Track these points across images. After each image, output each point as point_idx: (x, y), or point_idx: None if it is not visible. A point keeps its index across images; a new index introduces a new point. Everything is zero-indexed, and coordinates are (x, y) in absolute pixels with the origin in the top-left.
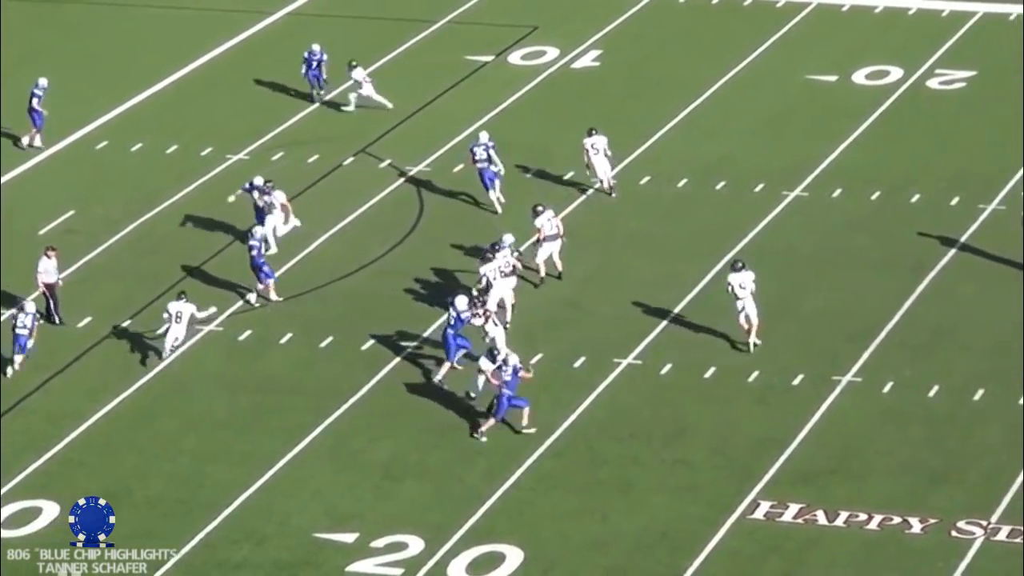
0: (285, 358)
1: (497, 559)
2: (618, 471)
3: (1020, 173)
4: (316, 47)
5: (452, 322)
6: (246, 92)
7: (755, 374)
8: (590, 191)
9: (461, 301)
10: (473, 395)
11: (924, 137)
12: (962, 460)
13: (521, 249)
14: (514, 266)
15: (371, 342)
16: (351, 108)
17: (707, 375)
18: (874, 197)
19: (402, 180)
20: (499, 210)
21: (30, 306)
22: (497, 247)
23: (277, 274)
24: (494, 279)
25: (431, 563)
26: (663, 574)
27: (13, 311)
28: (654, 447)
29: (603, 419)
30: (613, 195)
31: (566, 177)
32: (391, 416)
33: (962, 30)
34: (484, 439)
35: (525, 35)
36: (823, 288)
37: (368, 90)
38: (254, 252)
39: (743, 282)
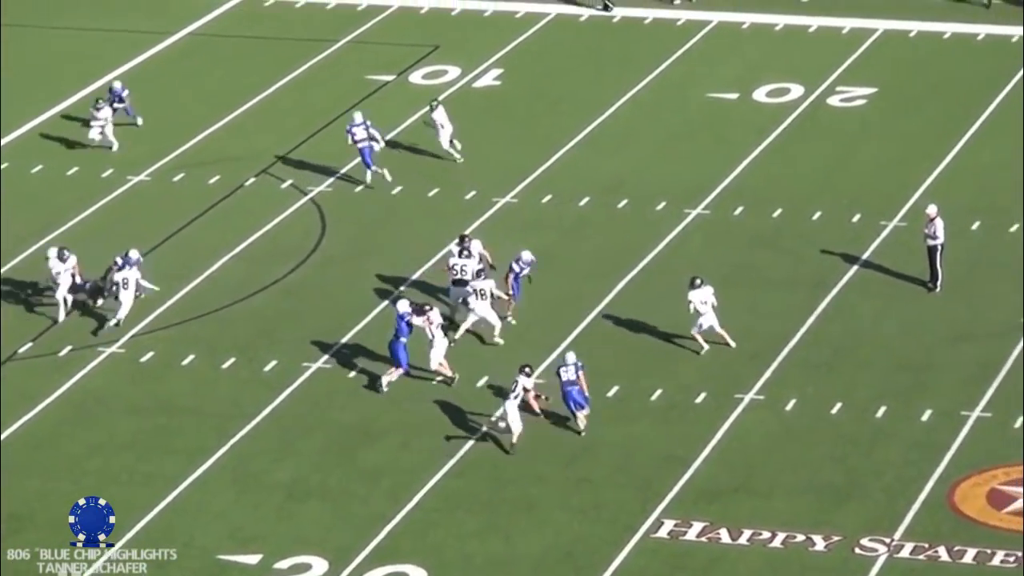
0: (187, 380)
1: None
2: (522, 490)
3: (921, 190)
4: (117, 84)
5: (397, 328)
6: (146, 113)
7: (658, 392)
8: (492, 209)
9: (402, 304)
10: (503, 424)
11: (825, 154)
12: (865, 477)
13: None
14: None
15: (274, 363)
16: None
17: (610, 394)
18: (776, 214)
19: (304, 200)
20: (389, 177)
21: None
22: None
23: (181, 295)
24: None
25: None
26: None
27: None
28: (558, 466)
29: (506, 438)
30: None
31: (468, 196)
32: (294, 437)
33: (863, 47)
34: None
35: (426, 54)
36: (725, 306)
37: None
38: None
39: (704, 298)
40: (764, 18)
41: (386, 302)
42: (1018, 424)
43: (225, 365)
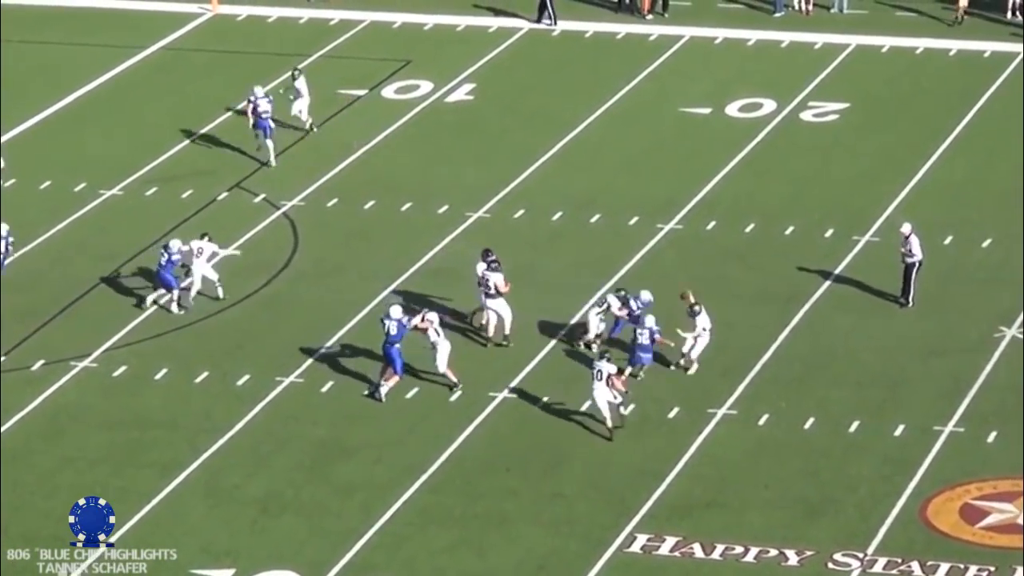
0: (160, 394)
1: None
2: (495, 504)
3: (894, 205)
4: (4, 226)
5: (391, 333)
6: (119, 127)
7: (631, 407)
8: (465, 224)
9: (395, 309)
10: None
11: (798, 169)
12: (838, 492)
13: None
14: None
15: (247, 377)
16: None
17: (583, 408)
18: (748, 229)
19: (277, 214)
20: (273, 163)
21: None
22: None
23: (154, 309)
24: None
25: None
26: None
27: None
28: (530, 480)
29: (479, 453)
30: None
31: (440, 211)
32: (267, 451)
33: (835, 62)
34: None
35: (398, 69)
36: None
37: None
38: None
39: (706, 324)
40: (736, 33)
41: (364, 312)
42: (991, 439)
43: (198, 379)
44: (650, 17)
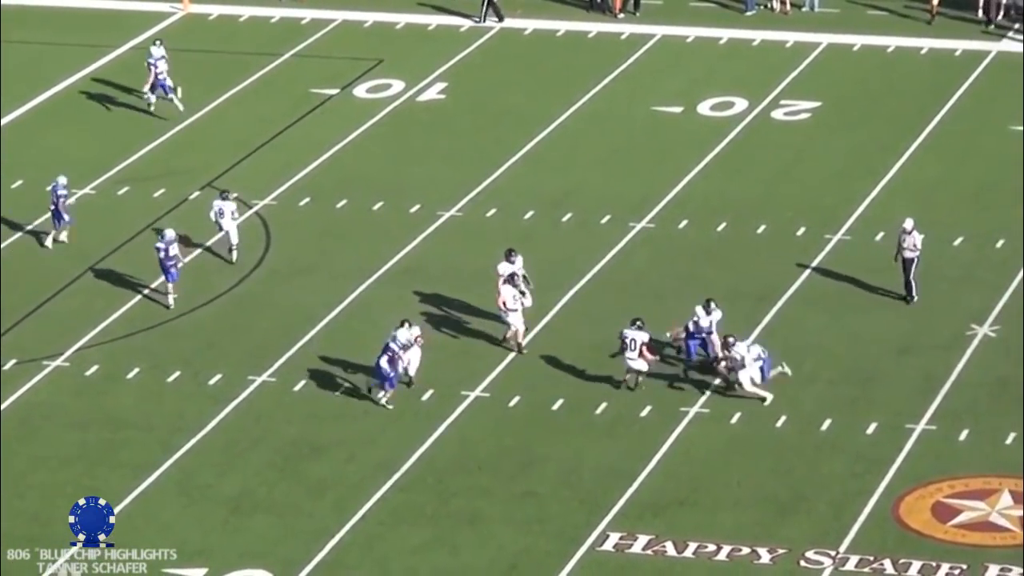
0: (132, 393)
1: None
2: (467, 503)
3: (866, 203)
4: (62, 179)
5: (391, 351)
6: (90, 126)
7: (603, 406)
8: (437, 223)
9: (403, 333)
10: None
11: (770, 168)
12: (810, 490)
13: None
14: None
15: (219, 376)
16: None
17: (555, 407)
18: (720, 228)
19: (249, 213)
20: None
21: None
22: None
23: (126, 308)
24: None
25: None
26: None
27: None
28: (502, 479)
29: (451, 452)
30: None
31: (412, 210)
32: (239, 451)
33: (806, 61)
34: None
35: (370, 68)
36: (670, 319)
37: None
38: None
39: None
40: (708, 32)
41: (336, 311)
42: (963, 437)
43: (170, 379)
44: (622, 16)
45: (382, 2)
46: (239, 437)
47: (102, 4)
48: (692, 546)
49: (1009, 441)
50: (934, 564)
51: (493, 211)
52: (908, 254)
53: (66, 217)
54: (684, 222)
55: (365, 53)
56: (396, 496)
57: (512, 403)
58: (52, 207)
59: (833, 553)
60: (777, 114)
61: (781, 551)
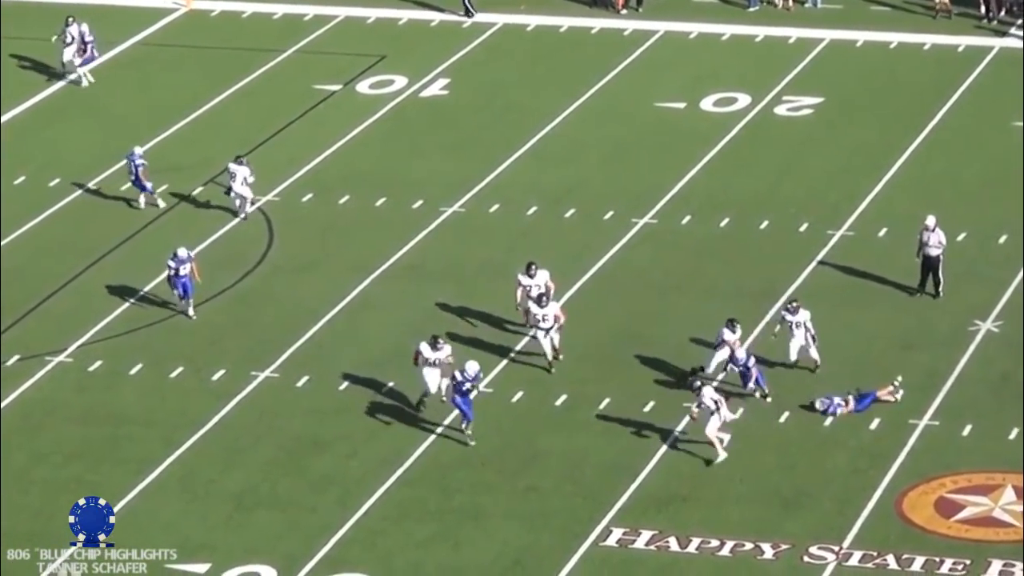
0: (135, 389)
1: None
2: (470, 499)
3: (868, 199)
4: (138, 149)
5: (460, 386)
6: (93, 122)
7: (606, 401)
8: (440, 219)
9: (471, 367)
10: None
11: (772, 163)
12: (813, 485)
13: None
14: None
15: (221, 372)
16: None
17: (558, 403)
18: (723, 224)
19: (251, 209)
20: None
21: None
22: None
23: (128, 304)
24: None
25: None
26: None
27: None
28: (506, 475)
29: (455, 447)
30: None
31: (415, 206)
32: (242, 446)
33: (809, 57)
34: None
35: (373, 64)
36: (674, 315)
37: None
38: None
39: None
40: (711, 28)
41: (339, 306)
42: (966, 432)
43: (173, 374)
44: (624, 12)
45: None
46: (242, 433)
47: (104, 0)
48: (695, 541)
49: (1012, 436)
50: (937, 559)
51: (496, 207)
52: (933, 251)
53: (148, 185)
54: (687, 218)
55: (368, 49)
56: (399, 491)
57: (515, 398)
58: (132, 178)
59: (836, 548)
60: (780, 110)
61: (784, 546)
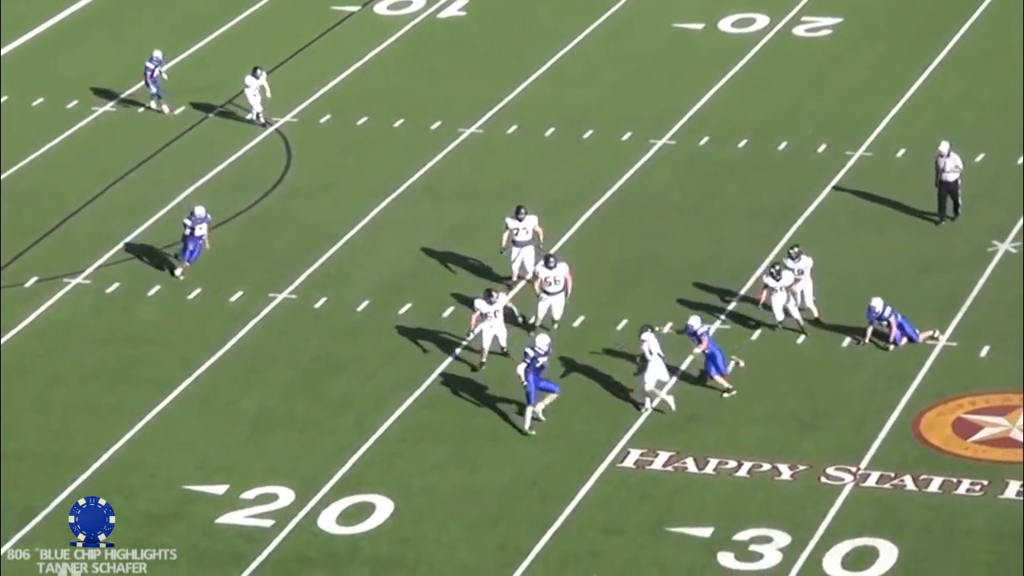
0: (153, 311)
1: (367, 509)
2: (487, 421)
3: (887, 120)
4: (158, 53)
5: (533, 362)
6: (111, 44)
7: (623, 323)
8: (458, 140)
9: (542, 340)
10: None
11: (791, 85)
12: (831, 407)
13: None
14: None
15: (239, 294)
16: None
17: (576, 324)
18: (741, 145)
19: (269, 131)
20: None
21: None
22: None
23: (146, 226)
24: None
25: (301, 514)
26: (534, 522)
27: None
28: (523, 396)
29: (472, 369)
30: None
31: (433, 127)
32: (260, 368)
33: None
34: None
35: None
36: (691, 236)
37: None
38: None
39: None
40: None
41: (356, 228)
42: (984, 353)
43: (191, 296)
44: None
45: None
46: (259, 354)
47: None
48: (713, 462)
49: None
50: (954, 480)
51: (514, 128)
52: (950, 176)
53: (152, 89)
54: (705, 139)
55: None
56: (417, 414)
57: (532, 320)
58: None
59: (854, 469)
60: (798, 30)
61: (802, 467)
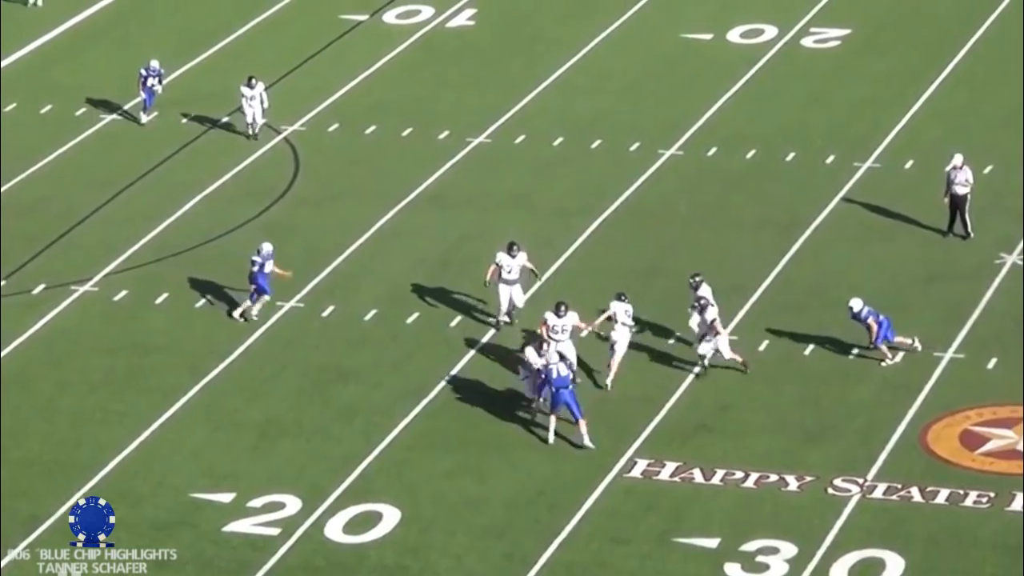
0: (161, 319)
1: (374, 518)
2: (494, 429)
3: (895, 131)
4: (155, 63)
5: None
6: (120, 52)
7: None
8: (466, 149)
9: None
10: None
11: (799, 95)
12: (838, 418)
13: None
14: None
15: (248, 302)
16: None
17: (583, 334)
18: (749, 156)
19: (277, 139)
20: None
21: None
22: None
23: (154, 234)
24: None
25: (308, 523)
26: (541, 532)
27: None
28: (530, 406)
29: (479, 378)
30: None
31: (441, 136)
32: (267, 376)
33: None
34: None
35: None
36: (698, 247)
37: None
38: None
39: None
40: None
41: (364, 237)
42: (991, 365)
43: (198, 304)
44: None
45: None
46: (267, 363)
47: None
48: (720, 473)
49: None
50: (962, 492)
51: (522, 138)
52: (960, 190)
53: (142, 95)
54: (713, 150)
55: None
56: (424, 422)
57: (540, 330)
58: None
59: (861, 481)
60: (807, 41)
61: (809, 478)
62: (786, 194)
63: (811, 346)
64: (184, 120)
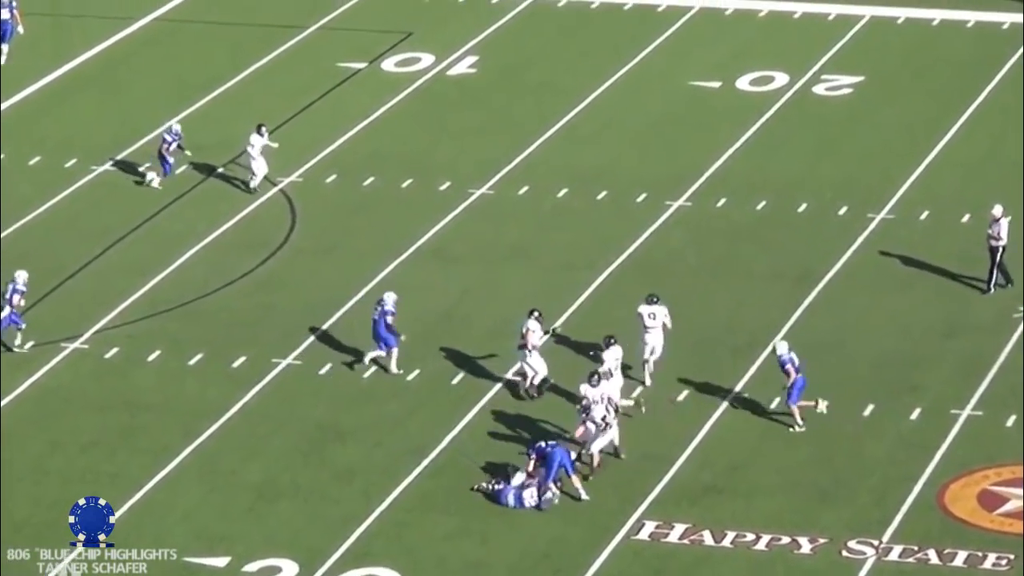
0: (153, 376)
1: None
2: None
3: (910, 181)
4: (176, 126)
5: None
6: (110, 101)
7: (638, 390)
8: (468, 200)
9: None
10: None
11: (811, 144)
12: (852, 477)
13: None
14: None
15: (242, 359)
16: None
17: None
18: (760, 206)
19: (274, 191)
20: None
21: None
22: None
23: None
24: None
25: None
26: None
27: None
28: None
29: (482, 437)
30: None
31: (442, 187)
32: (263, 435)
33: (849, 34)
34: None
35: (399, 41)
36: (708, 300)
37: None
38: (387, 319)
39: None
40: (747, 4)
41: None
42: (1010, 423)
43: (192, 361)
44: None
45: None
46: (263, 422)
47: None
48: (730, 535)
49: None
50: (980, 554)
51: (525, 189)
52: (995, 243)
53: (170, 162)
54: (722, 200)
55: (394, 26)
56: (425, 482)
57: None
58: (164, 150)
59: (876, 543)
60: (819, 89)
61: (822, 540)
62: (798, 246)
63: (823, 403)
64: (179, 171)
